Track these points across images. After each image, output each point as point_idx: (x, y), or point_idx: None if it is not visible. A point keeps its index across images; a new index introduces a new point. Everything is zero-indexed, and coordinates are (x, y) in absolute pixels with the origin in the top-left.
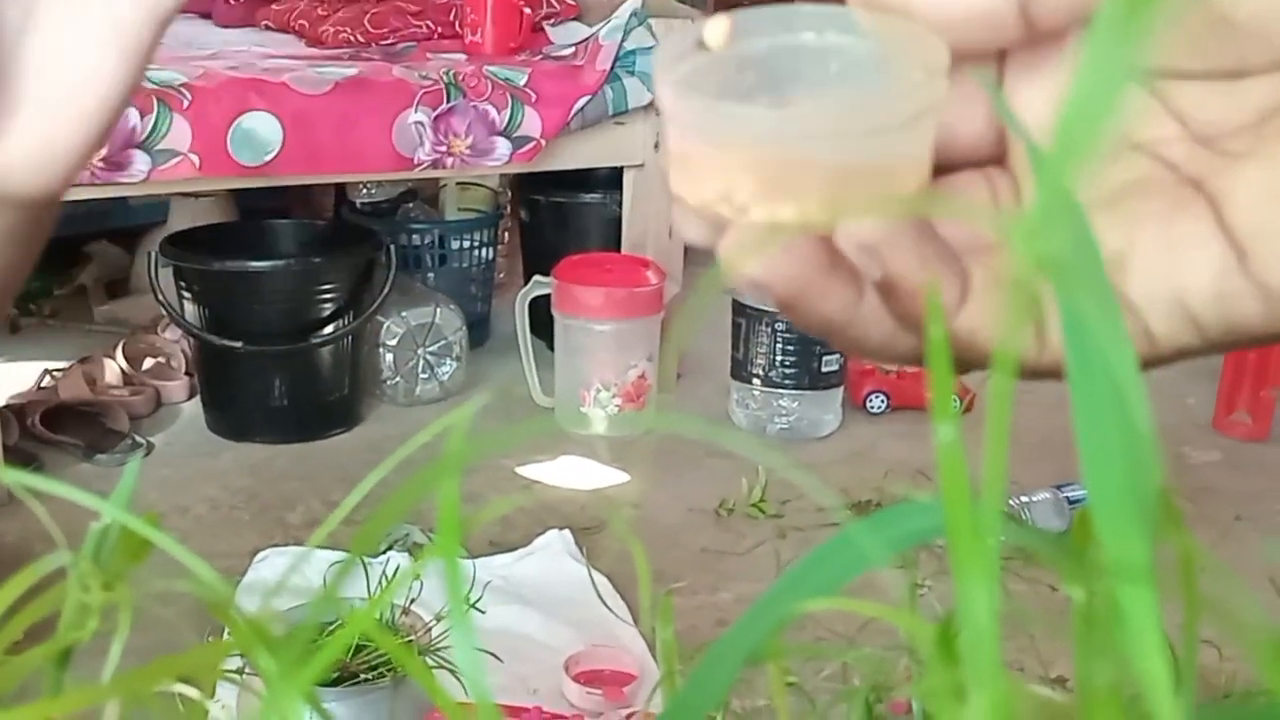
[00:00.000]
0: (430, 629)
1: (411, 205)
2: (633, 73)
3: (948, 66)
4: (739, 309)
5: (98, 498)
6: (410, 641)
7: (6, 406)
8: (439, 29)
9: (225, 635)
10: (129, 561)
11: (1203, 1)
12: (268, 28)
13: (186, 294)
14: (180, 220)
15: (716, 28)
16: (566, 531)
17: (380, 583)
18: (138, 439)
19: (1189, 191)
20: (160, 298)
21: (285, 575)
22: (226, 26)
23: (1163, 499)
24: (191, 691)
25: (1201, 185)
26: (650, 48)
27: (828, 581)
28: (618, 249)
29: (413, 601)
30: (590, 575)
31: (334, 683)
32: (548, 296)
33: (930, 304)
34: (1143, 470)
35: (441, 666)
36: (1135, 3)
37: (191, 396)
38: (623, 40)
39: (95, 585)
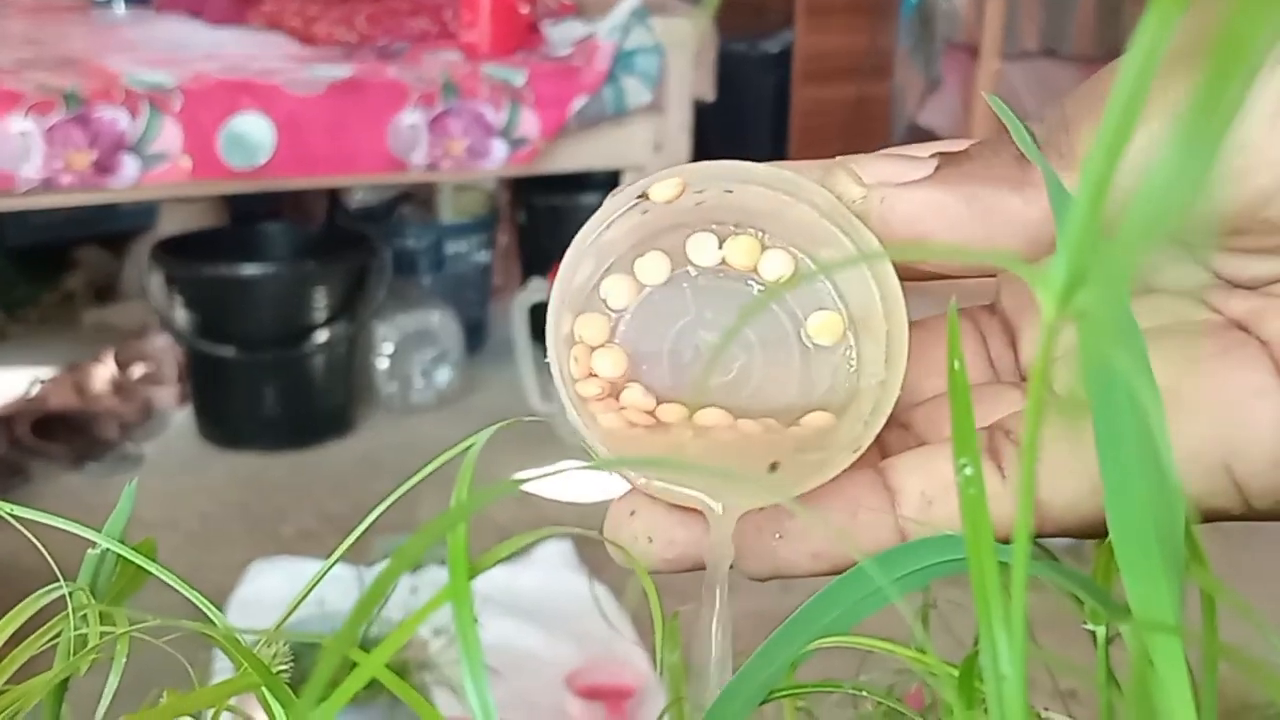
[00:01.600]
0: (427, 644)
1: (406, 209)
2: (633, 73)
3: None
4: None
5: (94, 528)
6: (407, 658)
7: None
8: (434, 28)
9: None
10: (126, 591)
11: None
12: (259, 27)
13: (177, 300)
14: (170, 224)
15: (666, 188)
16: (567, 543)
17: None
18: (128, 448)
19: (1239, 336)
20: (151, 304)
21: (304, 594)
22: (217, 25)
23: (1188, 539)
24: None
25: (1251, 328)
26: (653, 47)
27: (840, 620)
28: None
29: None
30: (591, 588)
31: None
32: (546, 301)
33: (951, 334)
34: (1169, 517)
35: (440, 682)
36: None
37: (183, 404)
38: (622, 40)
39: (93, 618)
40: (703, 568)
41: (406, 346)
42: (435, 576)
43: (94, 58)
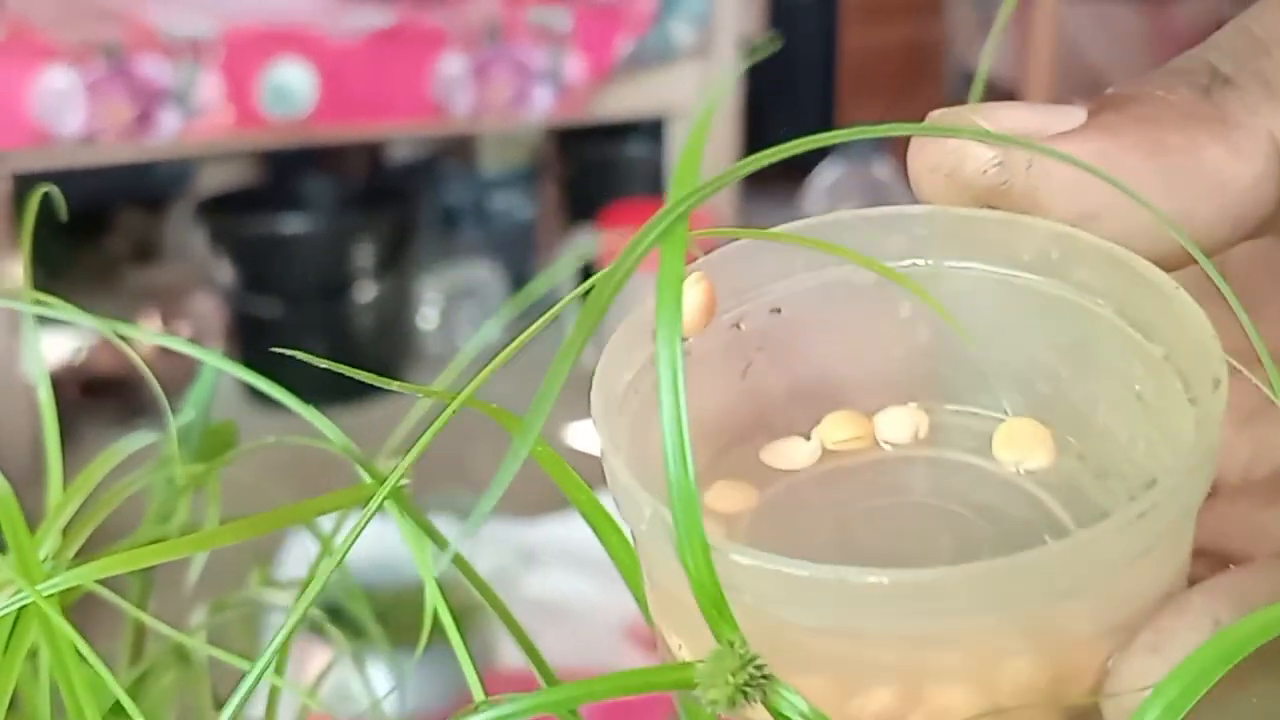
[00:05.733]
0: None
1: (448, 164)
2: (679, 14)
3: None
4: None
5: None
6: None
7: None
8: None
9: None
10: (217, 451)
11: None
12: None
13: (221, 257)
14: (209, 182)
15: (690, 300)
16: None
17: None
18: (176, 407)
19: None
20: (193, 264)
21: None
22: None
23: None
24: None
25: None
26: None
27: None
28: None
29: None
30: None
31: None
32: (592, 258)
33: None
34: None
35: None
36: None
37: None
38: None
39: (182, 472)
40: None
41: (453, 301)
42: (487, 531)
43: (129, 8)
